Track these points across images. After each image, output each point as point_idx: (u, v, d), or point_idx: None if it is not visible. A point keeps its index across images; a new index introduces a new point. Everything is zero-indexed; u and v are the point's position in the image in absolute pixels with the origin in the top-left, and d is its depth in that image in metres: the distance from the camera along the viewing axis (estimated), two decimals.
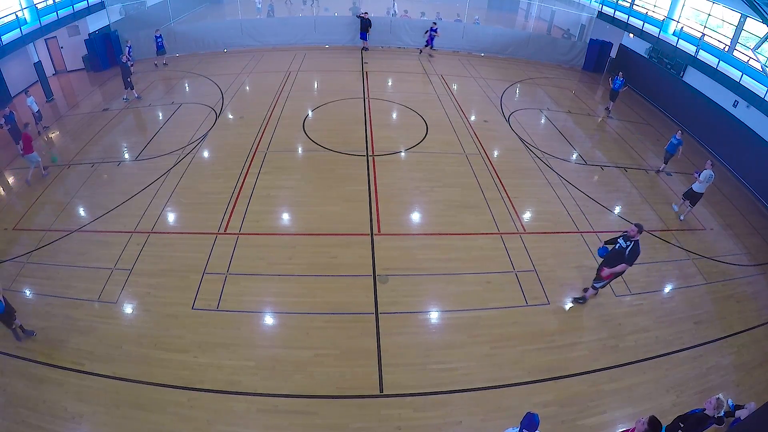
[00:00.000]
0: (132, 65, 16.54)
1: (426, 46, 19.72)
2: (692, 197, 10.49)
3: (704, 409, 5.43)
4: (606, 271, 7.52)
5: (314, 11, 24.94)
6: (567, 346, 7.37)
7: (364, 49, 20.26)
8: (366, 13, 19.86)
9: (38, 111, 13.25)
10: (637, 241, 7.15)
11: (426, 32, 19.52)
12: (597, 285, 8.02)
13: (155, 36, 17.88)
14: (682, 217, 10.87)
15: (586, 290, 8.25)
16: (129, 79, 14.98)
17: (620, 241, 7.38)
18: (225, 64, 18.33)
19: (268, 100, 15.10)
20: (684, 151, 12.53)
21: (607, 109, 16.44)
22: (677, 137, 12.16)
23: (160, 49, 18.15)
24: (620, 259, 7.29)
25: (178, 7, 22.62)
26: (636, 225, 7.14)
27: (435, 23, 19.58)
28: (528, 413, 4.84)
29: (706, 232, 10.67)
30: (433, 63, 19.50)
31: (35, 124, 13.18)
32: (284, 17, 22.66)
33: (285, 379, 6.58)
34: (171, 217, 9.81)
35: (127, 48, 17.13)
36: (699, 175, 10.15)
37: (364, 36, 19.88)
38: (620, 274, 7.54)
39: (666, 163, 12.71)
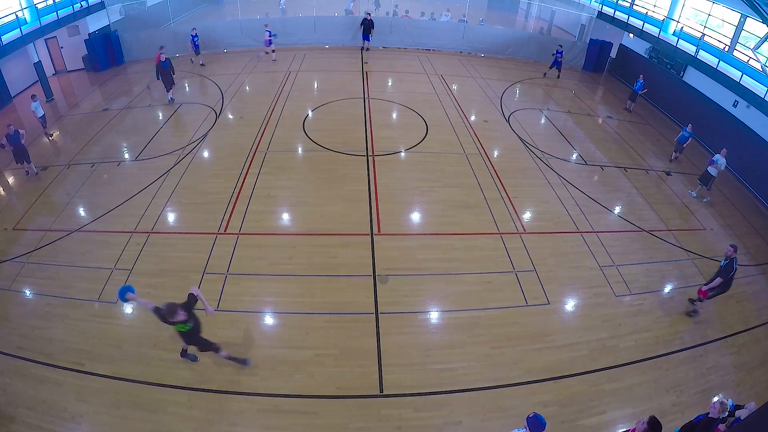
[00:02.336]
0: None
1: (551, 67, 19.35)
2: (706, 179, 11.48)
3: (708, 414, 5.42)
4: (703, 288, 7.94)
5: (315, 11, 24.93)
6: (567, 346, 7.37)
7: (366, 49, 20.22)
8: (369, 14, 19.84)
9: (43, 115, 12.81)
10: (732, 259, 7.73)
11: (553, 54, 19.26)
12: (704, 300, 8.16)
13: (191, 35, 17.56)
14: (705, 200, 11.75)
15: (693, 302, 8.36)
16: (167, 78, 14.47)
17: (721, 262, 7.97)
18: (225, 64, 18.32)
19: (268, 100, 15.09)
20: (685, 151, 12.71)
21: (627, 109, 16.78)
22: (688, 130, 12.96)
23: (196, 49, 17.72)
24: (717, 274, 7.86)
25: (178, 7, 22.61)
26: (731, 246, 7.83)
27: (561, 45, 19.24)
28: (535, 415, 4.77)
29: (706, 232, 10.68)
30: (433, 63, 19.50)
31: (42, 127, 12.91)
32: (285, 17, 22.65)
33: (285, 379, 6.58)
34: (171, 217, 9.81)
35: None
36: (715, 161, 11.20)
37: (366, 37, 19.82)
38: (717, 287, 7.90)
39: (675, 151, 13.49)
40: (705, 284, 7.99)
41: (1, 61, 13.88)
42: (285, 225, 9.82)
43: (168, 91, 14.78)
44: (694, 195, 11.86)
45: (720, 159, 11.16)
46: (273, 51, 18.40)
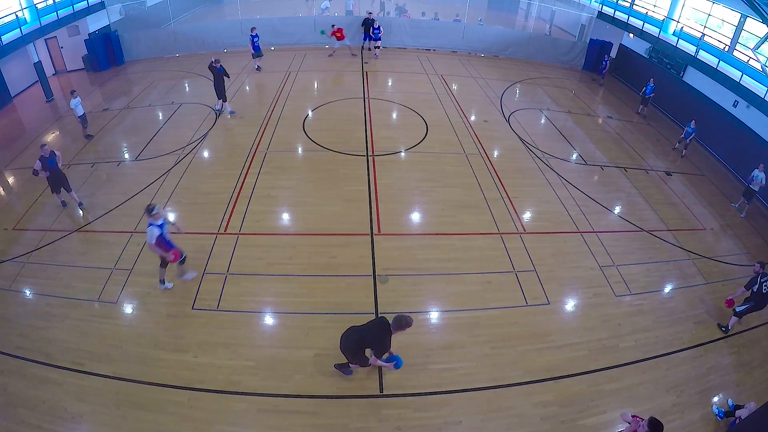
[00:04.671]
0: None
1: (602, 75, 19.53)
2: (749, 195, 11.48)
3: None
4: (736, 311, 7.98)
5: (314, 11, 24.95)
6: (567, 346, 7.37)
7: (368, 49, 20.19)
8: (370, 13, 19.82)
9: (83, 114, 12.16)
10: (756, 276, 7.79)
11: (602, 63, 19.62)
12: (739, 309, 8.03)
13: (251, 35, 16.53)
14: (743, 214, 11.62)
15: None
16: (221, 88, 13.29)
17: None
18: (225, 64, 18.19)
19: (268, 100, 15.10)
20: (686, 152, 12.75)
21: (638, 113, 16.73)
22: (692, 126, 13.45)
23: (257, 51, 16.81)
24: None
25: (178, 7, 22.63)
26: (757, 263, 7.90)
27: (607, 54, 19.52)
28: None
29: (706, 232, 10.68)
30: (433, 63, 19.50)
31: (82, 128, 12.57)
32: (284, 17, 22.63)
33: (285, 379, 6.57)
34: (171, 217, 9.73)
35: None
36: (754, 177, 11.11)
37: (368, 37, 19.76)
38: (749, 303, 7.89)
39: (679, 143, 14.11)
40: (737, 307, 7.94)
41: (1, 61, 13.88)
42: (285, 225, 9.82)
43: (223, 103, 13.84)
44: (741, 211, 11.66)
45: (759, 175, 11.04)
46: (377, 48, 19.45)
